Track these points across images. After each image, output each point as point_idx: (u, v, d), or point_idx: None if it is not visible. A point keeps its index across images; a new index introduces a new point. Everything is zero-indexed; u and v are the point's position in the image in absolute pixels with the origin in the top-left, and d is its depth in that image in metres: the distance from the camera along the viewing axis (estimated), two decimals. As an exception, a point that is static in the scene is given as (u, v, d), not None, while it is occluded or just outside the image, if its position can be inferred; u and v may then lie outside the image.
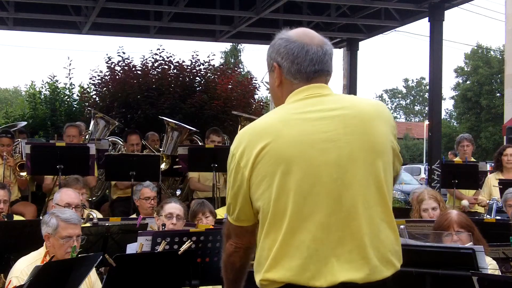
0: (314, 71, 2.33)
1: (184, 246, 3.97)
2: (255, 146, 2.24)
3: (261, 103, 14.15)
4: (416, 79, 60.08)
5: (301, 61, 2.32)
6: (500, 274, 3.97)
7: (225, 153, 8.55)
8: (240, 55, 43.22)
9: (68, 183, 6.05)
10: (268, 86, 2.50)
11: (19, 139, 7.88)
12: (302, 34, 2.36)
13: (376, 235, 2.24)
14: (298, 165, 2.21)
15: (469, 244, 3.82)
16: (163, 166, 8.00)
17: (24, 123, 10.52)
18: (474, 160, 8.42)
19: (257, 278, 2.29)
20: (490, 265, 4.03)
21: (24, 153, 7.32)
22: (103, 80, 12.37)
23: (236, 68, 15.74)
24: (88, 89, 13.17)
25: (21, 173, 7.22)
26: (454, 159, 8.23)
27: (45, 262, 3.77)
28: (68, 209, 4.72)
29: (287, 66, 2.34)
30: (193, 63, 12.48)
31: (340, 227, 2.21)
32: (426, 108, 50.06)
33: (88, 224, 5.05)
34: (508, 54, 20.54)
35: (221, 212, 6.44)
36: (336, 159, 2.22)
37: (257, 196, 2.26)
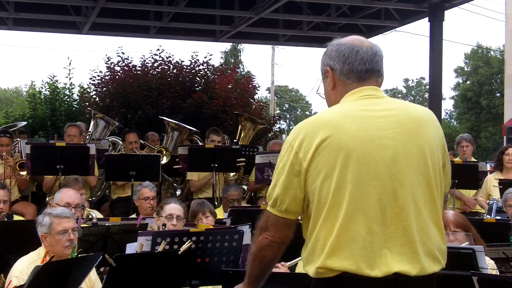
0: (366, 70, 2.44)
1: (184, 246, 3.97)
2: (315, 138, 2.32)
3: (261, 103, 14.15)
4: (416, 79, 59.89)
5: (352, 60, 2.43)
6: (499, 274, 3.97)
7: (225, 153, 8.53)
8: (240, 55, 43.20)
9: (67, 183, 6.06)
10: (323, 96, 2.59)
11: (19, 139, 7.87)
12: (352, 38, 2.49)
13: (425, 232, 2.34)
14: (358, 158, 2.30)
15: (465, 244, 3.83)
16: (164, 160, 8.01)
17: (24, 123, 10.51)
18: (474, 160, 8.41)
19: (312, 266, 2.34)
20: (488, 265, 4.02)
21: (24, 152, 7.32)
22: (103, 80, 12.37)
23: (235, 68, 15.73)
24: (88, 89, 13.17)
25: (21, 173, 7.22)
26: (454, 159, 8.21)
27: (45, 262, 3.78)
28: (59, 206, 4.74)
29: (339, 67, 2.45)
30: (193, 63, 12.49)
31: (394, 221, 2.30)
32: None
33: (88, 224, 5.06)
34: (508, 54, 20.53)
35: (221, 212, 6.45)
36: (393, 156, 2.32)
37: (314, 186, 2.33)
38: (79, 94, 13.52)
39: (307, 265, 2.39)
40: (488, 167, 8.36)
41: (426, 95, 49.13)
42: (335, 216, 2.29)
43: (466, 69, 44.08)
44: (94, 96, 12.62)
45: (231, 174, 8.15)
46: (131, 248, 4.30)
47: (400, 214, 2.30)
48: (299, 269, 4.24)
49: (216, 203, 7.42)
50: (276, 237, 2.43)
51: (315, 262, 2.33)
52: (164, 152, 8.12)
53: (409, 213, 2.31)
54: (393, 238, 2.29)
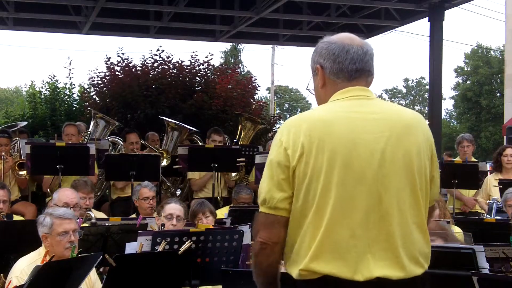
0: (356, 69, 2.41)
1: (184, 246, 3.97)
2: (303, 137, 2.29)
3: (261, 103, 14.15)
4: (416, 79, 59.81)
5: (342, 60, 2.41)
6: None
7: (225, 153, 8.52)
8: (240, 55, 43.16)
9: (76, 186, 6.00)
10: (313, 93, 2.54)
11: (17, 138, 7.86)
12: (343, 36, 2.46)
13: (408, 236, 2.32)
14: (344, 161, 2.28)
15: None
16: (164, 162, 8.01)
17: (25, 123, 10.49)
18: (475, 160, 8.40)
19: (296, 268, 2.32)
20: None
21: (23, 152, 7.32)
22: (103, 80, 12.36)
23: (235, 68, 15.73)
24: (88, 89, 13.17)
25: (20, 172, 7.22)
26: (454, 160, 8.20)
27: (45, 262, 3.78)
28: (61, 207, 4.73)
29: (329, 66, 2.43)
30: (193, 63, 12.49)
31: (377, 225, 2.29)
32: (426, 108, 49.98)
33: (87, 224, 5.06)
34: (508, 54, 20.54)
35: (221, 212, 6.44)
36: (380, 160, 2.30)
37: (301, 187, 2.30)
38: (79, 94, 13.53)
39: (291, 266, 2.35)
40: (488, 167, 8.34)
41: (426, 95, 49.12)
42: (320, 219, 2.27)
43: (466, 69, 44.08)
44: (94, 96, 12.61)
45: (233, 174, 8.15)
46: (131, 247, 4.29)
47: (384, 218, 2.29)
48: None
49: (218, 204, 7.42)
50: (266, 238, 2.34)
51: (299, 264, 2.31)
52: (164, 155, 8.11)
53: (393, 218, 2.29)
54: (375, 243, 2.28)
